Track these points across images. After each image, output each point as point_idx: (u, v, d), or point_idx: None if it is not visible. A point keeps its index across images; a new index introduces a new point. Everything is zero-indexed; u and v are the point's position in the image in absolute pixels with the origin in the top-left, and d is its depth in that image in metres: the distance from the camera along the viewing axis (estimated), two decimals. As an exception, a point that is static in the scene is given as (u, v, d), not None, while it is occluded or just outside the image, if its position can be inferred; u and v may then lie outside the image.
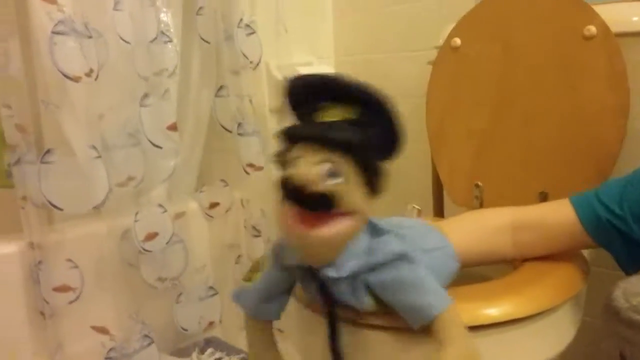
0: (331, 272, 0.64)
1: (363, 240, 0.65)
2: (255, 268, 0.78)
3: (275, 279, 0.73)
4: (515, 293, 0.72)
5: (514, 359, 0.69)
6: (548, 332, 0.74)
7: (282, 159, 0.62)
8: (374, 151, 0.62)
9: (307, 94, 0.63)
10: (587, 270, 0.83)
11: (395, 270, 0.64)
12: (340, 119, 0.61)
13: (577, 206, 0.77)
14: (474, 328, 0.67)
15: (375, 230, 0.68)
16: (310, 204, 0.58)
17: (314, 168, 0.58)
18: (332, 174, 0.58)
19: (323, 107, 0.62)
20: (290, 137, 0.62)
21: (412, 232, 0.73)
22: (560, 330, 0.76)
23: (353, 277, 0.64)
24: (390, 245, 0.65)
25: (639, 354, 0.84)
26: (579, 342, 0.82)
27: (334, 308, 0.67)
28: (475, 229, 0.82)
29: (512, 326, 0.69)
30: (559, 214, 0.78)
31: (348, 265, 0.63)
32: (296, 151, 0.60)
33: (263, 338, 0.77)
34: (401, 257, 0.64)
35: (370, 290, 0.66)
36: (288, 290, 0.75)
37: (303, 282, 0.70)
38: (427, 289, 0.63)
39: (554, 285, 0.75)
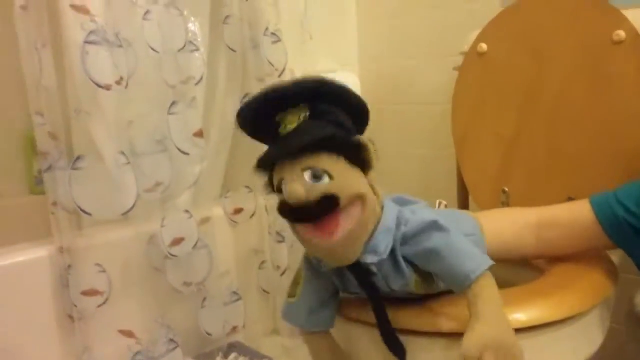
0: (371, 258, 0.65)
1: (391, 215, 0.66)
2: (296, 282, 0.76)
3: (317, 288, 0.74)
4: (545, 297, 0.72)
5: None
6: (578, 337, 0.74)
7: (271, 188, 0.64)
8: (343, 131, 0.62)
9: (258, 116, 0.64)
10: (616, 275, 0.83)
11: (428, 240, 0.64)
12: (299, 121, 0.61)
13: (596, 206, 0.77)
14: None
15: (402, 201, 0.70)
16: (312, 215, 0.60)
17: (297, 183, 0.59)
18: (316, 177, 0.59)
19: (280, 118, 0.62)
20: (266, 165, 0.63)
21: (448, 214, 0.75)
22: (590, 335, 0.76)
23: (393, 256, 0.65)
24: (420, 215, 0.66)
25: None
26: (604, 348, 0.81)
27: (379, 298, 0.68)
28: (503, 222, 0.84)
29: (542, 331, 0.69)
30: (578, 214, 0.79)
31: (383, 244, 0.64)
32: (278, 174, 0.62)
33: (325, 350, 0.76)
34: (432, 226, 0.64)
35: (411, 263, 0.66)
36: (334, 295, 0.75)
37: (343, 283, 0.70)
38: (463, 254, 0.64)
39: (584, 290, 0.75)
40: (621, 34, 0.95)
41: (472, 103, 1.15)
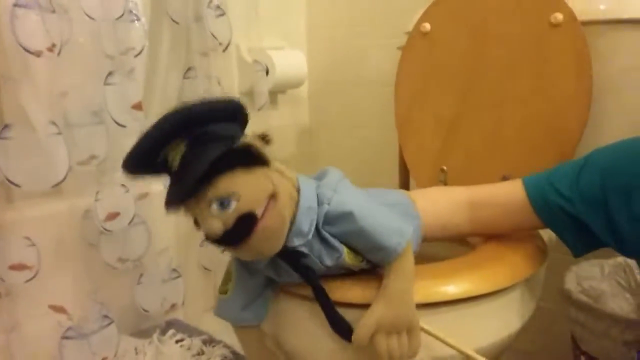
0: (297, 241, 0.65)
1: (310, 193, 0.66)
2: (227, 279, 0.75)
3: (248, 284, 0.74)
4: (472, 271, 0.73)
5: (469, 336, 0.69)
6: (503, 312, 0.75)
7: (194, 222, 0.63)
8: (225, 143, 0.60)
9: (143, 162, 0.62)
10: (545, 253, 0.84)
11: (351, 222, 0.65)
12: (180, 155, 0.60)
13: (528, 187, 0.78)
14: (429, 305, 0.67)
15: (319, 178, 0.70)
16: (237, 238, 0.60)
17: (209, 220, 0.59)
18: (223, 205, 0.59)
19: (163, 155, 0.61)
20: (173, 205, 0.61)
21: (374, 191, 0.74)
22: (516, 310, 0.77)
23: (318, 233, 0.65)
24: (343, 196, 0.66)
25: (588, 336, 0.85)
26: (534, 325, 0.83)
27: (317, 280, 0.68)
28: (438, 200, 0.84)
29: (468, 304, 0.70)
30: (510, 193, 0.80)
31: (306, 224, 0.64)
32: (188, 212, 0.62)
33: (256, 343, 0.77)
34: (351, 214, 0.65)
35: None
36: (265, 290, 0.75)
37: (277, 272, 0.70)
38: (386, 229, 0.65)
39: (511, 265, 0.76)
40: (558, 16, 0.97)
41: (414, 83, 1.16)
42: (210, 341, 1.23)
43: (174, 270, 1.28)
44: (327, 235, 0.66)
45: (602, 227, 0.72)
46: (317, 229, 0.66)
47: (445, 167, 1.10)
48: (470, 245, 0.91)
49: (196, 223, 0.63)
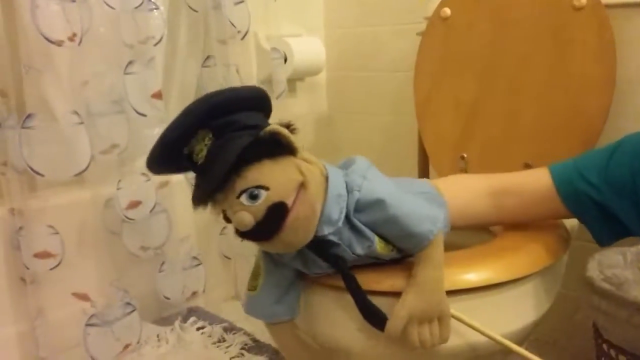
0: (327, 229, 0.63)
1: (339, 181, 0.64)
2: (255, 274, 0.74)
3: (277, 279, 0.72)
4: (494, 259, 0.73)
5: (491, 324, 0.69)
6: (525, 299, 0.74)
7: (224, 216, 0.62)
8: (251, 132, 0.60)
9: (169, 157, 0.62)
10: (568, 241, 0.83)
11: (382, 210, 0.64)
12: (206, 147, 0.59)
13: (555, 174, 0.77)
14: (451, 293, 0.67)
15: (345, 167, 0.68)
16: (269, 230, 0.59)
17: (239, 213, 0.58)
18: (253, 197, 0.58)
19: (188, 150, 0.60)
20: (201, 200, 0.61)
21: (400, 180, 0.73)
22: (538, 297, 0.77)
23: (348, 220, 0.64)
24: (373, 184, 0.65)
25: (610, 324, 0.84)
26: (556, 313, 0.82)
27: (348, 269, 0.67)
28: (459, 189, 0.83)
29: (490, 292, 0.69)
30: (536, 182, 0.78)
31: (336, 212, 0.63)
32: (217, 207, 0.61)
33: (291, 338, 0.75)
34: (382, 201, 0.64)
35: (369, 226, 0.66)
36: (295, 282, 0.73)
37: (305, 263, 0.69)
38: (418, 217, 0.64)
39: (533, 252, 0.76)
40: (582, 0, 0.95)
41: (434, 69, 1.14)
42: (230, 328, 1.24)
43: (195, 258, 1.29)
44: (358, 224, 0.65)
45: (630, 215, 0.70)
46: (347, 217, 0.64)
47: (465, 155, 1.10)
48: (492, 233, 0.91)
49: (225, 217, 0.61)
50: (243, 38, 1.32)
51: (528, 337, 0.80)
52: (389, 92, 1.50)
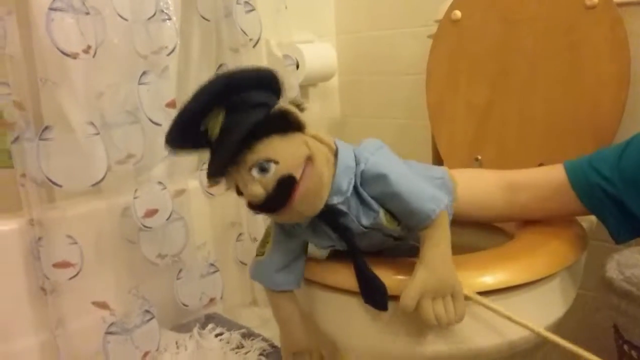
0: (337, 199, 0.67)
1: (348, 154, 0.68)
2: (265, 241, 0.78)
3: (284, 248, 0.75)
4: (511, 261, 0.72)
5: (508, 327, 0.68)
6: (543, 301, 0.74)
7: (237, 190, 0.65)
8: (262, 110, 0.63)
9: (186, 134, 0.65)
10: (585, 241, 0.83)
11: (385, 184, 0.66)
12: (220, 123, 0.62)
13: (569, 170, 0.77)
14: (468, 296, 0.67)
15: (357, 145, 0.71)
16: (279, 202, 0.63)
17: (250, 185, 0.62)
18: (264, 170, 0.61)
19: (204, 127, 0.63)
20: (215, 174, 0.64)
21: (415, 163, 0.76)
22: (556, 299, 0.76)
23: (356, 191, 0.67)
24: (378, 158, 0.68)
25: (631, 325, 0.83)
26: (575, 314, 0.81)
27: (354, 239, 0.70)
28: (476, 180, 0.83)
29: (508, 294, 0.69)
30: (551, 177, 0.79)
31: (345, 182, 0.66)
32: (230, 180, 0.64)
33: (288, 309, 0.77)
34: (385, 176, 0.66)
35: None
36: (301, 255, 0.76)
37: (316, 234, 0.71)
38: (421, 194, 0.67)
39: (551, 253, 0.75)
40: (594, -1, 0.95)
41: (446, 71, 1.14)
42: (249, 335, 1.24)
43: (212, 264, 1.30)
44: (365, 195, 0.67)
45: None
46: (355, 189, 0.67)
47: (479, 157, 1.09)
48: (509, 234, 0.90)
49: (238, 191, 0.65)
50: (255, 46, 1.33)
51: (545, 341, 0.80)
52: (402, 95, 1.50)
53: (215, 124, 0.62)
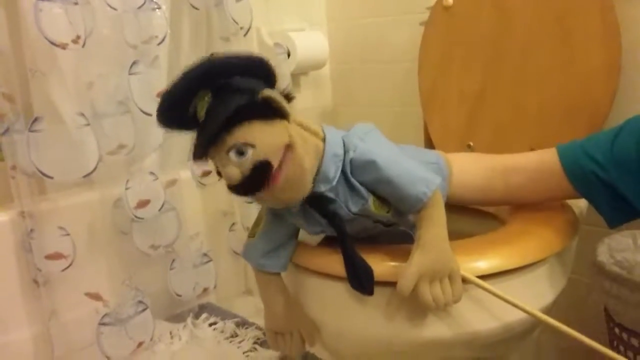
0: (324, 186, 0.68)
1: (336, 141, 0.68)
2: (257, 223, 0.80)
3: (274, 231, 0.77)
4: (503, 246, 0.73)
5: (501, 311, 0.69)
6: (535, 286, 0.75)
7: (217, 171, 0.66)
8: (246, 95, 0.63)
9: (173, 115, 0.66)
10: (576, 226, 0.83)
11: (375, 170, 0.67)
12: (207, 105, 0.63)
13: (562, 155, 0.77)
14: (462, 281, 0.67)
15: (347, 131, 0.72)
16: (254, 186, 0.64)
17: (228, 167, 0.62)
18: (240, 153, 0.62)
19: (192, 108, 0.64)
20: (199, 155, 0.65)
21: (408, 148, 0.77)
22: (549, 283, 0.77)
23: (345, 178, 0.68)
24: (368, 144, 0.69)
25: (622, 308, 0.84)
26: (567, 298, 0.82)
27: (342, 225, 0.70)
28: (471, 164, 0.84)
29: (499, 279, 0.70)
30: (543, 159, 0.79)
31: (332, 170, 0.67)
32: (212, 162, 0.65)
33: (273, 290, 0.79)
34: (374, 162, 0.67)
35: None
36: (290, 241, 0.78)
37: (307, 220, 0.72)
38: (412, 177, 0.67)
39: (541, 239, 0.76)
40: (584, -17, 0.94)
41: (438, 58, 1.14)
42: (243, 324, 1.25)
43: (205, 254, 1.30)
44: (354, 182, 0.68)
45: (636, 193, 0.70)
46: (345, 176, 0.68)
47: (471, 143, 1.09)
48: (500, 220, 0.91)
49: (218, 173, 0.66)
50: (246, 34, 1.32)
51: (539, 323, 0.80)
52: (394, 83, 1.50)
53: (202, 106, 0.63)
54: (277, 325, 0.81)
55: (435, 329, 0.69)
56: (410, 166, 0.69)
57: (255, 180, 0.63)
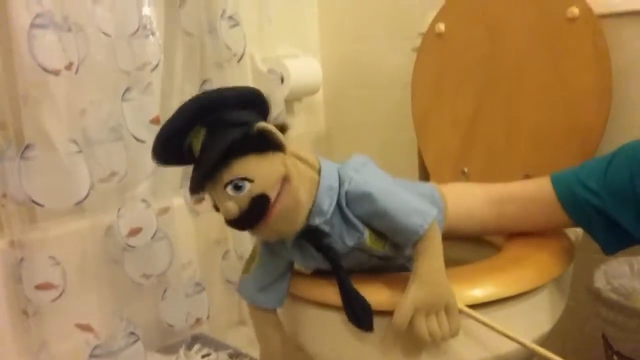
0: (318, 219, 0.67)
1: (331, 174, 0.68)
2: (252, 258, 0.79)
3: (269, 266, 0.75)
4: (499, 274, 0.72)
5: (500, 339, 0.68)
6: (533, 313, 0.74)
7: (214, 206, 0.67)
8: (241, 129, 0.64)
9: (171, 151, 0.67)
10: (572, 253, 0.83)
11: (370, 203, 0.66)
12: (202, 141, 0.64)
13: (556, 183, 0.77)
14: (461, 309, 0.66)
15: (342, 163, 0.72)
16: (252, 220, 0.64)
17: (226, 202, 0.63)
18: (238, 188, 0.62)
19: (187, 143, 0.65)
20: (196, 191, 0.65)
21: (402, 181, 0.76)
22: (545, 311, 0.76)
23: (340, 211, 0.68)
24: (364, 176, 0.69)
25: (620, 334, 0.83)
26: (564, 326, 0.81)
27: (338, 260, 0.69)
28: (461, 195, 0.83)
29: (496, 307, 0.69)
30: (537, 189, 0.79)
31: (326, 203, 0.67)
32: (209, 196, 0.66)
33: (268, 327, 0.78)
34: (370, 195, 0.67)
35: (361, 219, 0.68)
36: (285, 275, 0.76)
37: (303, 254, 0.71)
38: (408, 209, 0.66)
39: (538, 266, 0.75)
40: (574, 10, 0.96)
41: (430, 84, 1.15)
42: (236, 355, 1.22)
43: (198, 284, 1.28)
44: (350, 216, 0.67)
45: (631, 221, 0.70)
46: (340, 209, 0.67)
47: (466, 169, 1.09)
48: (496, 247, 0.90)
49: (215, 207, 0.67)
50: (239, 61, 1.33)
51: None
52: (387, 108, 1.50)
53: (197, 142, 0.64)
54: None
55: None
56: (407, 198, 0.68)
57: (253, 215, 0.63)
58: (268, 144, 0.64)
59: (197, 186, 0.64)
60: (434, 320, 0.64)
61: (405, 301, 0.64)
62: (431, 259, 0.66)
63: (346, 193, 0.67)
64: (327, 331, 0.73)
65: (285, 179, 0.64)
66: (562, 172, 0.79)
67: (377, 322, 0.67)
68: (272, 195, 0.63)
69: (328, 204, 0.67)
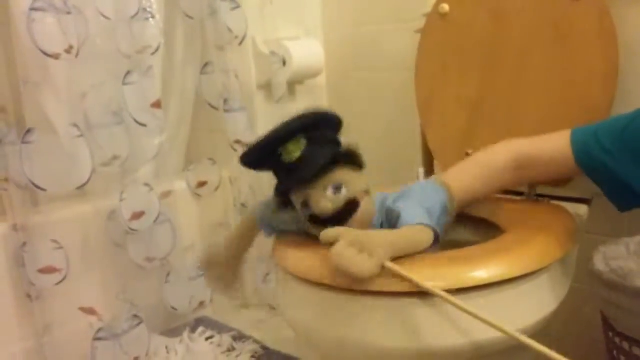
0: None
1: (378, 199, 0.83)
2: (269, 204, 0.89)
3: (279, 217, 0.85)
4: (503, 255, 0.71)
5: (505, 320, 0.67)
6: (538, 293, 0.73)
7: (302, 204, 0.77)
8: (335, 146, 0.78)
9: (261, 153, 0.77)
10: (577, 233, 0.82)
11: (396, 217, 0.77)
12: (301, 150, 0.75)
13: (574, 141, 0.80)
14: (462, 290, 0.66)
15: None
16: (343, 218, 0.75)
17: (323, 200, 0.74)
18: (337, 190, 0.75)
19: (281, 150, 0.76)
20: (290, 188, 0.78)
21: (418, 190, 0.84)
22: (550, 291, 0.75)
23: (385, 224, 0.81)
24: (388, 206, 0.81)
25: (620, 315, 0.83)
26: (565, 307, 0.81)
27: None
28: (481, 172, 0.88)
29: (501, 287, 0.68)
30: (557, 151, 0.82)
31: (377, 220, 0.81)
32: (299, 195, 0.77)
33: (244, 229, 0.92)
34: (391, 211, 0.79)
35: None
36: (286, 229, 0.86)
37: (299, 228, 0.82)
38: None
39: (543, 247, 0.74)
40: (581, -11, 0.94)
41: (434, 66, 1.13)
42: (240, 337, 1.23)
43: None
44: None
45: None
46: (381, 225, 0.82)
47: (470, 151, 1.08)
48: (499, 227, 0.89)
49: (304, 205, 0.76)
50: (241, 43, 1.32)
51: (540, 332, 0.79)
52: (391, 91, 1.49)
53: (296, 149, 0.75)
54: (218, 255, 0.94)
55: (403, 342, 0.68)
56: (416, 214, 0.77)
57: (346, 214, 0.75)
58: (359, 161, 0.78)
59: (298, 185, 0.76)
60: (351, 250, 0.67)
61: (350, 230, 0.71)
62: (402, 230, 0.73)
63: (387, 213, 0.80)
64: (307, 301, 0.76)
65: (367, 192, 0.78)
66: (583, 127, 0.81)
67: (357, 299, 0.69)
68: (360, 201, 0.76)
69: (376, 220, 0.81)
